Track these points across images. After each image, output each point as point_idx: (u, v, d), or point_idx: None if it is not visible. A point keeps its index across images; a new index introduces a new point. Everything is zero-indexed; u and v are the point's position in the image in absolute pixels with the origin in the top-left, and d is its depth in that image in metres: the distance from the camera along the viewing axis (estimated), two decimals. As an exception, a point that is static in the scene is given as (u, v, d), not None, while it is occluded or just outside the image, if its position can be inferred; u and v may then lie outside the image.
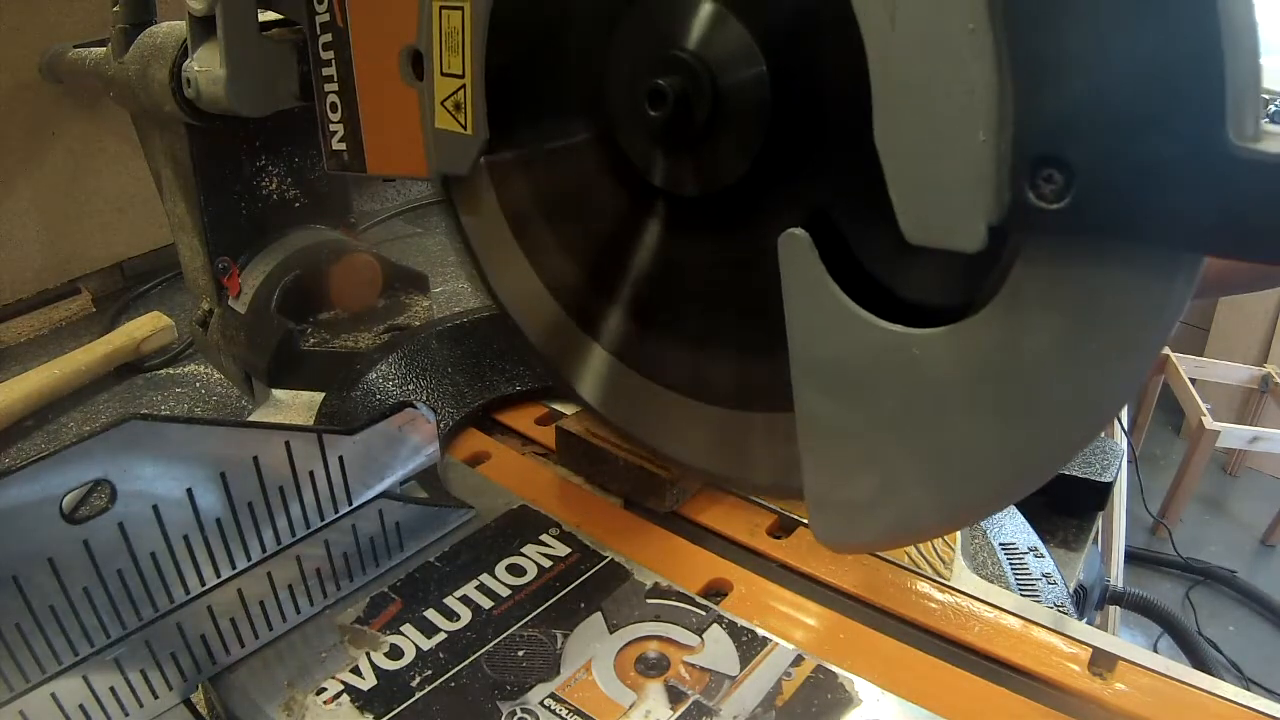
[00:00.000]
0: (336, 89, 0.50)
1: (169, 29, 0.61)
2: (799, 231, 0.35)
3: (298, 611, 0.44)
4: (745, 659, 0.42)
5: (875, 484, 0.37)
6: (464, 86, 0.44)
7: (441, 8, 0.44)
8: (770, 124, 0.37)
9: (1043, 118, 0.27)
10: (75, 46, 0.83)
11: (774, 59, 0.37)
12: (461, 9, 0.43)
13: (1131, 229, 0.27)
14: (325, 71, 0.50)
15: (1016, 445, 0.32)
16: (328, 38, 0.49)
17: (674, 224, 0.44)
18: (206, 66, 0.56)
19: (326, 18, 0.49)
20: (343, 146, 0.52)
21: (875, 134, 0.31)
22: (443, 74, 0.45)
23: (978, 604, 0.47)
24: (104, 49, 0.70)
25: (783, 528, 0.52)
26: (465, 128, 0.45)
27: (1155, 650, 0.47)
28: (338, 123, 0.51)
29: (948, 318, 0.32)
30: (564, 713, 0.39)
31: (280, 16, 0.57)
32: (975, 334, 0.32)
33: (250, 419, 0.66)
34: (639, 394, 0.50)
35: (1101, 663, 0.43)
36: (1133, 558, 2.21)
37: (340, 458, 0.43)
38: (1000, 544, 0.57)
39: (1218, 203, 0.25)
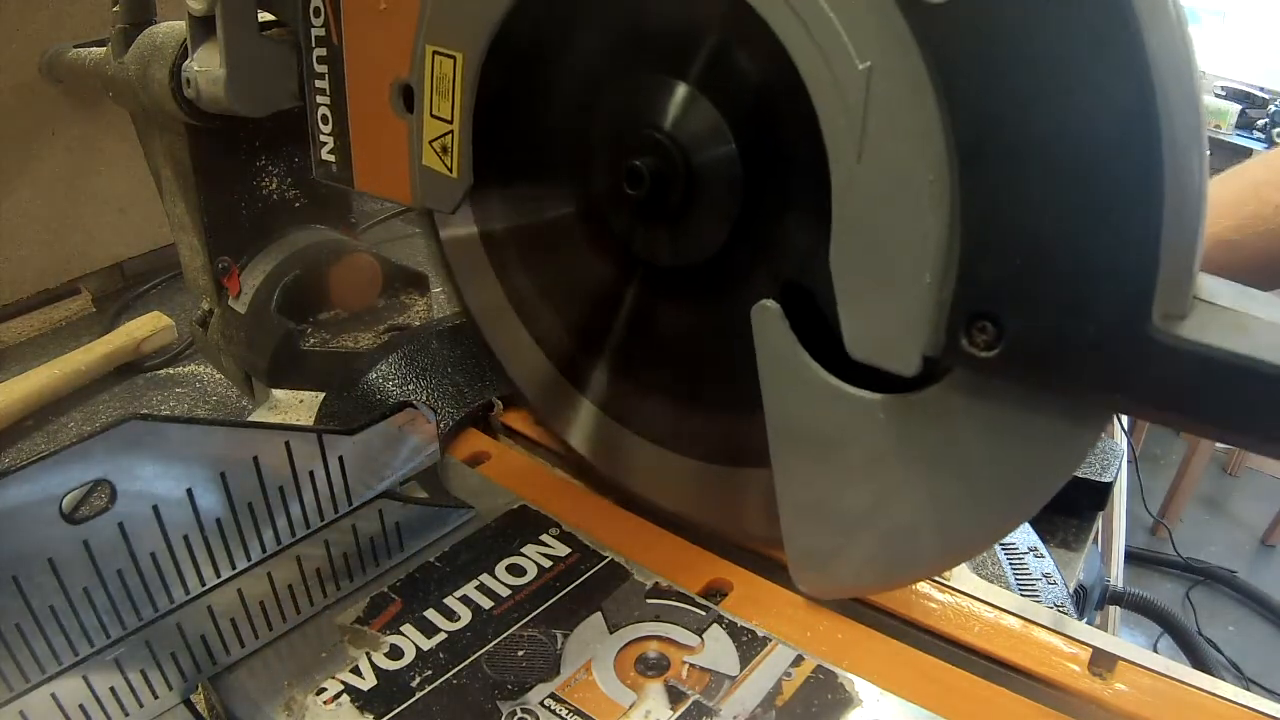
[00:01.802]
0: (328, 103, 0.50)
1: (169, 29, 0.61)
2: (770, 303, 0.37)
3: (298, 611, 0.44)
4: (745, 659, 0.42)
5: (847, 536, 0.39)
6: (451, 132, 0.44)
7: (434, 52, 0.43)
8: (744, 199, 0.39)
9: (983, 276, 0.29)
10: (75, 46, 0.83)
11: (744, 137, 0.38)
12: (454, 58, 0.42)
13: (1052, 386, 0.29)
14: (318, 84, 0.50)
15: (969, 509, 0.35)
16: (322, 52, 0.49)
17: (656, 289, 0.45)
18: (206, 66, 0.56)
19: (322, 32, 0.48)
20: (332, 158, 0.51)
21: (830, 254, 0.33)
22: (432, 116, 0.44)
23: (978, 604, 0.47)
24: (104, 49, 0.69)
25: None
26: (451, 171, 0.45)
27: (1155, 650, 0.47)
28: (328, 134, 0.51)
29: (917, 380, 0.33)
30: (564, 713, 0.39)
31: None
32: (917, 411, 0.34)
33: (250, 419, 0.66)
34: (625, 446, 0.51)
35: (1101, 663, 0.43)
36: (1133, 558, 2.21)
37: (340, 458, 0.43)
38: (1000, 544, 0.57)
39: (1136, 376, 0.27)
